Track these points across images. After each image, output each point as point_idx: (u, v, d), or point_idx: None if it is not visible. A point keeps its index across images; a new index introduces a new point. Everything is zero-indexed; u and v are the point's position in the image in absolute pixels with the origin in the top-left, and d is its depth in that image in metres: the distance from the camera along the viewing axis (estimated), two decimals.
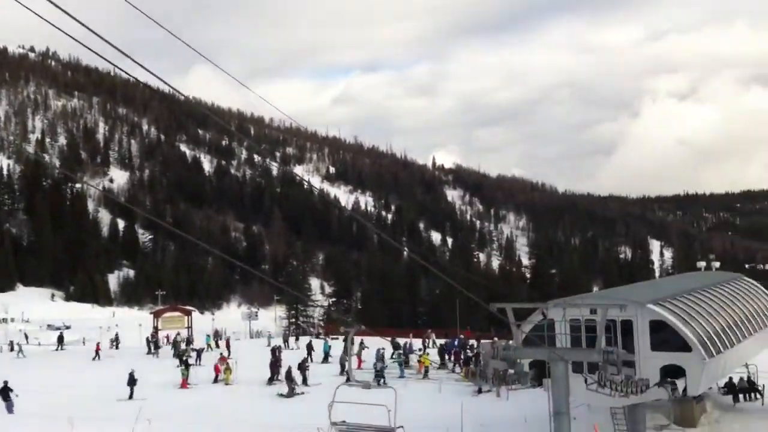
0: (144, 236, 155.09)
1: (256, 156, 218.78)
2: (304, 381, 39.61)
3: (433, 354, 47.45)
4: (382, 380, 38.40)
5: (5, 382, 32.33)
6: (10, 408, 31.61)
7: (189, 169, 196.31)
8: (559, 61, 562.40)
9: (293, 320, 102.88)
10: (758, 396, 30.59)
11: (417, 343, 54.23)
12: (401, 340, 49.97)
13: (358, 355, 45.61)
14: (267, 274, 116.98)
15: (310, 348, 48.11)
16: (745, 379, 31.17)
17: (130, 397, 35.68)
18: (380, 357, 42.61)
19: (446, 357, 46.76)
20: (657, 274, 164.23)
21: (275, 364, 41.59)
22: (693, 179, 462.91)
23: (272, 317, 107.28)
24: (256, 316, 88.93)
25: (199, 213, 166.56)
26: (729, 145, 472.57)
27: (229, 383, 39.97)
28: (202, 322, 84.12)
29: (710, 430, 28.28)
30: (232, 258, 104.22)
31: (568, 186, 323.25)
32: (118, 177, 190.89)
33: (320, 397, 36.11)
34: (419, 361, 43.05)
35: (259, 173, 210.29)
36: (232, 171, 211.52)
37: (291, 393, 36.80)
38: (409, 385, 39.19)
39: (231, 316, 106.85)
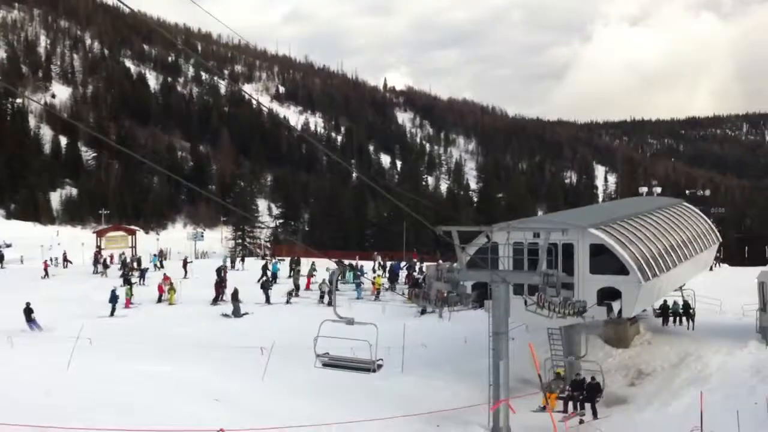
0: (87, 154, 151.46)
1: (203, 73, 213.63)
2: (267, 300, 40.28)
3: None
4: (327, 300, 39.12)
5: (27, 303, 32.23)
6: (32, 326, 31.68)
7: (134, 85, 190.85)
8: None
9: (240, 241, 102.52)
10: (690, 320, 31.61)
11: (367, 265, 54.79)
12: (348, 263, 50.48)
13: (309, 276, 45.83)
14: (214, 195, 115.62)
15: (265, 269, 48.00)
16: (680, 303, 32.13)
17: (112, 314, 35.97)
18: (335, 279, 43.51)
19: (396, 279, 47.45)
20: (600, 198, 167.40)
21: (220, 285, 41.58)
22: (640, 105, 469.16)
23: (218, 238, 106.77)
24: (202, 236, 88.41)
25: (145, 131, 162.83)
26: (677, 71, 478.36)
27: (173, 303, 39.89)
28: (147, 242, 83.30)
29: (642, 351, 29.30)
30: (178, 177, 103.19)
31: (518, 110, 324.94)
32: (61, 92, 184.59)
33: (265, 317, 36.45)
34: (372, 283, 43.56)
35: (207, 91, 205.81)
36: (179, 88, 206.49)
37: (237, 313, 36.91)
38: (354, 306, 39.64)
39: (176, 236, 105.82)
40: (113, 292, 36.60)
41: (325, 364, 19.33)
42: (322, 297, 40.87)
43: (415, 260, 57.88)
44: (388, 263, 54.69)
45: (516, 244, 24.57)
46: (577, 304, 22.97)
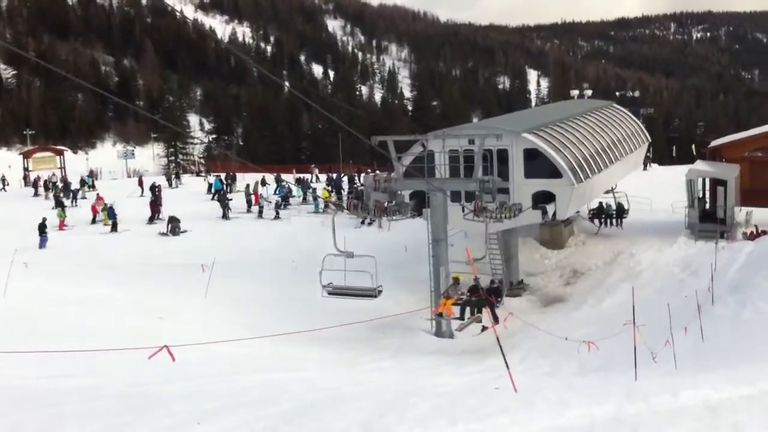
0: (6, 72, 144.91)
1: None
2: (225, 215, 40.30)
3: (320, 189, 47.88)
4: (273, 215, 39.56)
5: (44, 219, 35.04)
6: (43, 243, 33.86)
7: None
8: None
9: (172, 158, 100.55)
10: (621, 222, 32.51)
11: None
12: (289, 177, 50.19)
13: (255, 192, 45.34)
14: (144, 110, 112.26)
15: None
16: (614, 206, 32.94)
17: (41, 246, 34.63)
18: (285, 195, 44.35)
19: (341, 192, 47.37)
20: (533, 103, 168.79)
21: (155, 203, 40.96)
22: (571, 7, 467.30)
23: (150, 155, 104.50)
24: (133, 154, 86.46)
25: (65, 46, 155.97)
26: None
27: (108, 224, 39.18)
28: (76, 162, 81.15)
29: (577, 251, 30.20)
30: (105, 92, 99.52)
31: (450, 15, 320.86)
32: None
33: (205, 235, 36.16)
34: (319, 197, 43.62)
35: (128, 2, 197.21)
36: (98, 0, 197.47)
37: (175, 231, 36.53)
38: (293, 219, 39.64)
39: (106, 155, 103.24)
40: (41, 225, 34.99)
41: (330, 293, 21.44)
42: (260, 212, 40.87)
43: (353, 172, 57.86)
44: (331, 176, 54.56)
45: (452, 151, 24.76)
46: (513, 208, 23.44)
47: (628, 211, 32.55)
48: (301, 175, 56.24)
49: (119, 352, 12.10)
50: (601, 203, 32.96)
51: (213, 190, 47.14)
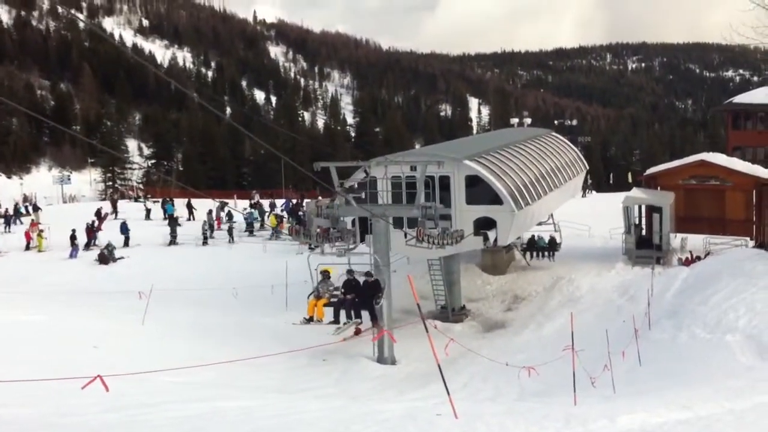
0: None
1: (60, 7, 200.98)
2: (174, 241, 40.04)
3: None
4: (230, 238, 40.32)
5: (73, 230, 37.67)
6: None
7: None
8: None
9: (110, 183, 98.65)
10: (552, 255, 32.87)
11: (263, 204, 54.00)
12: (230, 201, 49.58)
13: (218, 217, 44.57)
14: (80, 134, 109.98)
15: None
16: (546, 238, 33.35)
17: None
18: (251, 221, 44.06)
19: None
20: (475, 130, 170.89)
21: (92, 229, 40.10)
22: (510, 37, 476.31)
23: (87, 180, 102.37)
24: (69, 179, 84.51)
25: (0, 70, 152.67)
26: (543, 2, 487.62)
27: (42, 250, 38.16)
28: (10, 188, 79.00)
29: (518, 277, 30.52)
30: (41, 116, 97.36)
31: (392, 43, 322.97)
32: None
33: (142, 261, 35.48)
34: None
35: (65, 25, 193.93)
36: (34, 23, 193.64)
37: (110, 258, 35.76)
38: (233, 246, 39.22)
39: (41, 180, 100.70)
40: None
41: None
42: (205, 239, 40.37)
43: (293, 198, 57.57)
44: (277, 201, 54.12)
45: (394, 178, 24.81)
46: (455, 234, 23.57)
47: (560, 244, 32.96)
48: (259, 201, 55.62)
49: (52, 381, 11.71)
50: (532, 236, 33.32)
51: (166, 215, 45.94)
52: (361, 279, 20.28)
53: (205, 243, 39.99)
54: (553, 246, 32.81)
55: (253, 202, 53.90)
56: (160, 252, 38.27)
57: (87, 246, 38.68)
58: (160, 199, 54.40)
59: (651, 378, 14.36)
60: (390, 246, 22.75)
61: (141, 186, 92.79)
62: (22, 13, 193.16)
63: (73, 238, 37.55)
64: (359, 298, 19.72)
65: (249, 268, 31.10)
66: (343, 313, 19.82)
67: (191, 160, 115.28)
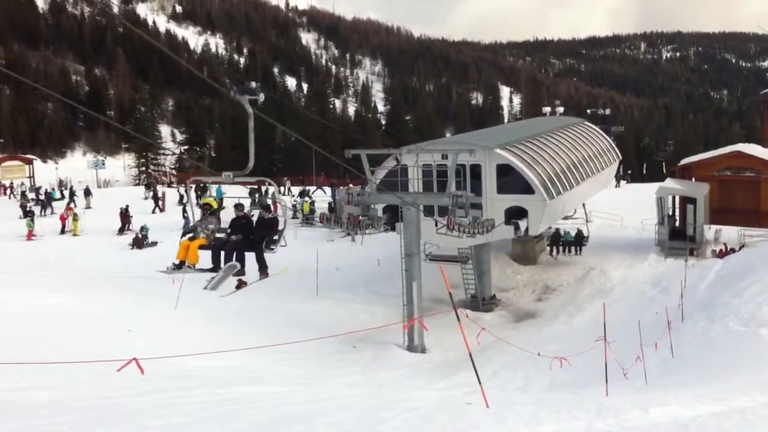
0: None
1: None
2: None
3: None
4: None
5: (125, 207, 38.81)
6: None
7: (21, 5, 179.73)
8: None
9: (143, 169, 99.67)
10: (579, 249, 32.52)
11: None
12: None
13: (275, 201, 44.37)
14: (113, 120, 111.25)
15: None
16: (573, 232, 32.97)
17: None
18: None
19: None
20: (506, 119, 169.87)
21: (126, 214, 40.57)
22: (542, 25, 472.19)
23: (121, 166, 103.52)
24: (103, 164, 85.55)
25: (36, 55, 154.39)
26: None
27: (77, 234, 38.71)
28: (46, 172, 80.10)
29: (548, 267, 30.38)
30: (75, 102, 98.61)
31: (423, 31, 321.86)
32: None
33: (169, 248, 35.77)
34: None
35: (99, 11, 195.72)
36: (69, 9, 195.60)
37: (142, 243, 36.18)
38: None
39: (76, 164, 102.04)
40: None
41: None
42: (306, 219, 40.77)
43: (324, 185, 57.78)
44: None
45: (425, 166, 24.83)
46: (486, 224, 23.52)
47: (587, 238, 32.60)
48: (305, 188, 55.66)
49: (87, 364, 11.91)
50: (557, 230, 32.94)
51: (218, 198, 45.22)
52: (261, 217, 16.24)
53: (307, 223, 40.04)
54: (579, 240, 32.45)
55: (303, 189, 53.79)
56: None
57: (121, 230, 39.18)
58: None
59: (684, 370, 14.25)
60: (420, 234, 22.78)
61: (174, 171, 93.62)
62: None
63: (124, 215, 38.53)
64: (248, 239, 15.41)
65: (277, 255, 31.25)
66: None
67: (222, 147, 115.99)
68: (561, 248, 32.59)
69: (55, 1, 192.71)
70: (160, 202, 48.02)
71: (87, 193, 51.88)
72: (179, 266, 15.54)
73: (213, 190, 48.27)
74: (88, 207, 46.64)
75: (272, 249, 15.62)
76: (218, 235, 15.75)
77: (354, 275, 21.86)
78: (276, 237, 15.65)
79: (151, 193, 52.41)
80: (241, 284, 16.34)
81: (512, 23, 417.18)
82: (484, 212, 24.79)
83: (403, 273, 22.16)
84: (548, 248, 32.94)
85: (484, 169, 25.44)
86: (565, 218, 32.26)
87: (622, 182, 57.61)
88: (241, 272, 15.74)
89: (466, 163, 24.99)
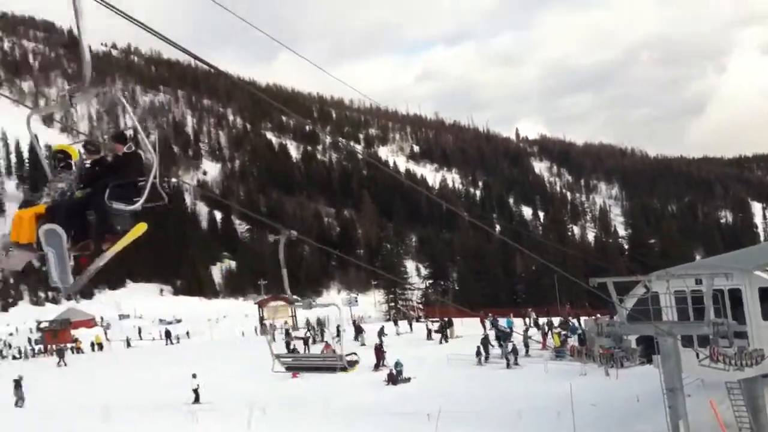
0: (241, 226, 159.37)
1: (341, 139, 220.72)
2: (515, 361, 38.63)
3: (535, 334, 47.02)
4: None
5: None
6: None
7: (277, 156, 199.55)
8: (642, 18, 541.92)
9: (392, 304, 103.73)
10: None
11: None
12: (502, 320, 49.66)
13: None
14: (362, 259, 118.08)
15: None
16: None
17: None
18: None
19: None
20: (762, 237, 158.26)
21: (380, 349, 42.40)
22: None
23: (371, 302, 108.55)
24: (356, 301, 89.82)
25: (291, 200, 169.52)
26: None
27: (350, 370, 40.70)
28: (304, 311, 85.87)
29: None
30: (327, 246, 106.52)
31: (659, 150, 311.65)
32: (211, 169, 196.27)
33: (428, 381, 36.68)
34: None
35: (345, 157, 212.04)
36: (319, 156, 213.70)
37: (397, 380, 37.33)
38: (515, 369, 39.11)
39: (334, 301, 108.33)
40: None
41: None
42: (508, 363, 38.96)
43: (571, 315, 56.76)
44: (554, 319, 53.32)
45: (677, 292, 23.94)
46: (755, 354, 22.06)
47: None
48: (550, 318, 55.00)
49: None
50: None
51: (503, 328, 44.13)
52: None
53: (508, 367, 38.59)
54: None
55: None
56: (444, 372, 39.05)
57: (376, 366, 40.80)
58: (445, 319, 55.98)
59: None
60: (681, 367, 21.78)
61: (420, 305, 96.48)
62: (308, 148, 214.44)
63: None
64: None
65: (532, 390, 30.92)
66: None
67: (465, 279, 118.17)
68: None
69: (306, 150, 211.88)
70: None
71: (359, 330, 54.35)
72: (10, 248, 6.98)
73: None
74: (362, 344, 48.31)
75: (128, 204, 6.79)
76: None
77: (612, 412, 21.13)
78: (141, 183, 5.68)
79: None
80: (86, 261, 7.65)
81: (755, 135, 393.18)
82: (750, 341, 23.27)
83: (667, 410, 21.19)
84: None
85: (745, 293, 24.04)
86: None
87: None
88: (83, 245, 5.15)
89: (724, 288, 23.81)
